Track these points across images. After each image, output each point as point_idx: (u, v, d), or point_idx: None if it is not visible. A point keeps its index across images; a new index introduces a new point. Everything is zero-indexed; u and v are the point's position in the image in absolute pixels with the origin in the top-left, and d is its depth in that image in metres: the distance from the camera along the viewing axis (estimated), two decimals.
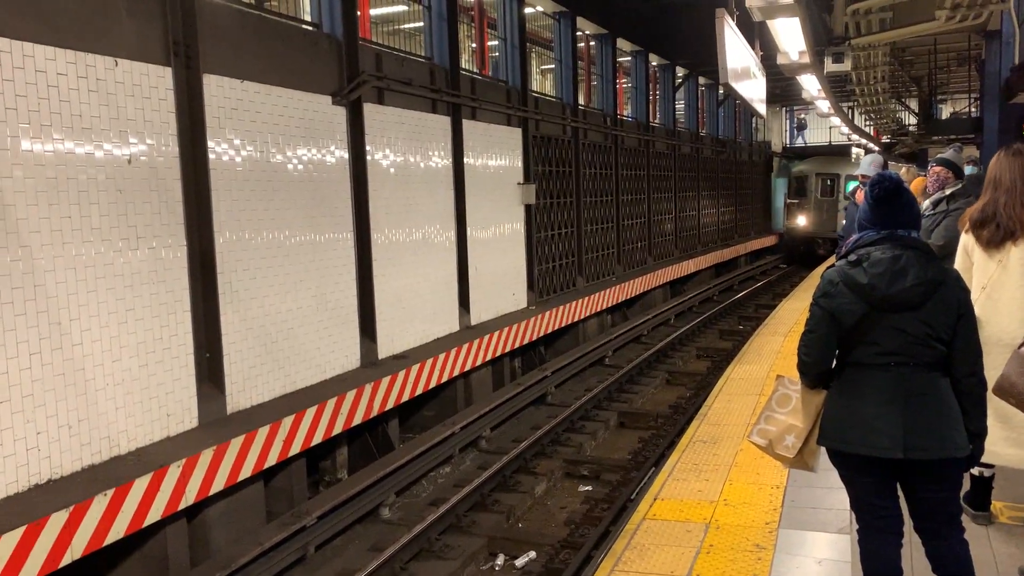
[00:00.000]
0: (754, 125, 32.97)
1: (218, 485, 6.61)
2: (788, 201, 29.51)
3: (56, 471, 5.81)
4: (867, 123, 29.17)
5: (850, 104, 26.13)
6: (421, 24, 11.79)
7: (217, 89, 7.25)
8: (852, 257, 3.31)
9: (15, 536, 4.98)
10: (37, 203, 5.66)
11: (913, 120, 27.33)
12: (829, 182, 28.77)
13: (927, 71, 22.05)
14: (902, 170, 10.63)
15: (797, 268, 29.10)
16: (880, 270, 3.20)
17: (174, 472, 6.16)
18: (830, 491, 5.03)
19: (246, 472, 6.90)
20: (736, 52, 8.06)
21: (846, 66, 10.22)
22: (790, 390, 3.55)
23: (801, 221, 28.82)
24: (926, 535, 3.34)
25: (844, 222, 23.08)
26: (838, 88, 19.63)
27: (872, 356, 3.22)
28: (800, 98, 23.83)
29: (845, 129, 28.11)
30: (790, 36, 8.48)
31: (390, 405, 9.04)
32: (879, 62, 13.60)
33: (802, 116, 39.14)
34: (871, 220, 3.35)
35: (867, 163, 7.49)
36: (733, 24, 8.05)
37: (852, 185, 26.21)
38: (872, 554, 3.37)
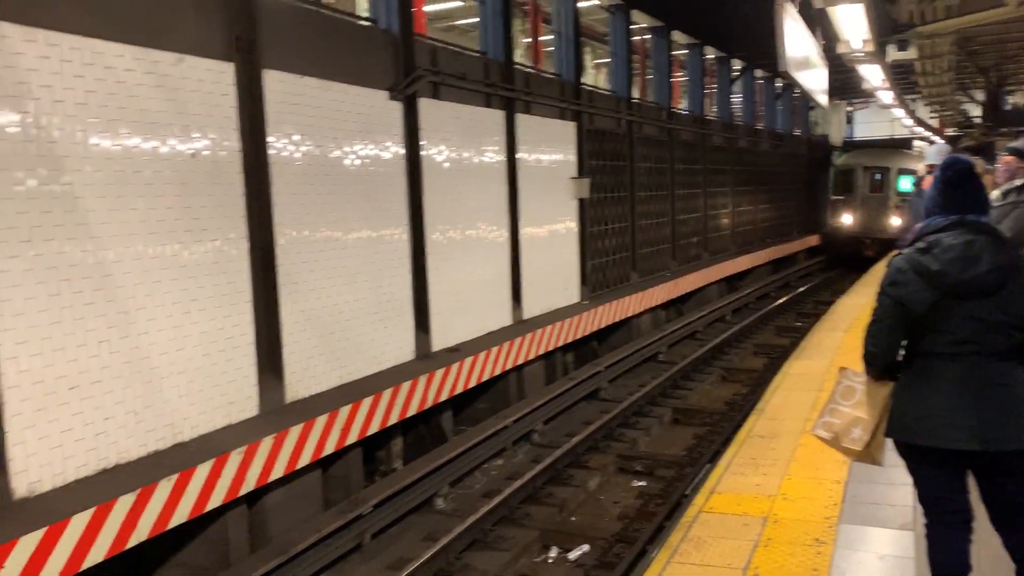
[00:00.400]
0: (812, 119, 32.36)
1: (278, 472, 6.74)
2: (832, 197, 27.12)
3: (123, 456, 5.99)
4: (931, 115, 28.39)
5: (913, 96, 25.43)
6: (475, 20, 11.83)
7: (277, 84, 7.38)
8: (921, 244, 3.23)
9: (86, 517, 5.15)
10: (105, 196, 5.83)
11: (979, 112, 26.49)
12: (878, 176, 26.05)
13: (995, 61, 21.37)
14: None
15: (843, 272, 26.29)
16: (952, 256, 3.12)
17: (235, 459, 6.30)
18: (892, 487, 4.92)
19: (304, 460, 7.02)
20: (796, 40, 7.90)
21: (911, 54, 9.92)
22: (854, 382, 3.47)
23: (846, 219, 26.32)
24: (1004, 528, 3.25)
25: (901, 219, 21.89)
26: (901, 79, 19.14)
27: (944, 345, 3.14)
28: (860, 90, 23.31)
29: (907, 122, 27.30)
30: (852, 24, 8.28)
31: (444, 397, 9.11)
32: (945, 51, 13.21)
33: (848, 109, 38.04)
34: (940, 205, 3.26)
35: (934, 152, 7.28)
36: (794, 10, 7.88)
37: (904, 179, 24.72)
38: (941, 549, 3.29)
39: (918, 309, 3.16)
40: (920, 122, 27.01)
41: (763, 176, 24.48)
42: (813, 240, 28.22)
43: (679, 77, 20.73)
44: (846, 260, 26.78)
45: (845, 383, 3.50)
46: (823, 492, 4.94)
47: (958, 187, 3.24)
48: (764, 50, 13.31)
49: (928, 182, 6.85)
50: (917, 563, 4.02)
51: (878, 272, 16.12)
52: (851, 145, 35.14)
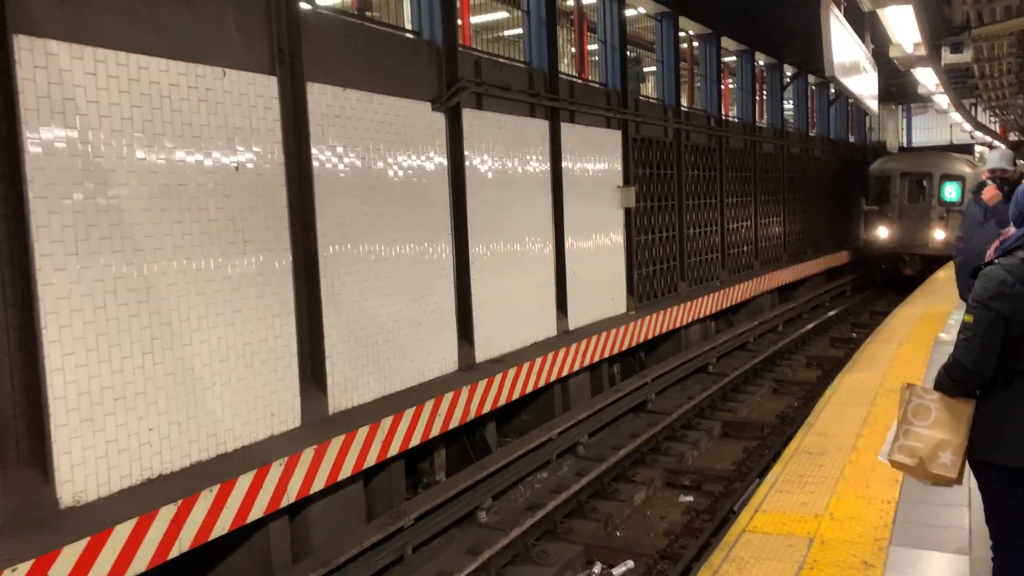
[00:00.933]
0: (868, 125, 31.67)
1: (319, 484, 6.75)
2: (866, 208, 23.49)
3: (166, 466, 6.05)
4: (992, 120, 27.53)
5: (973, 100, 24.66)
6: (521, 31, 11.81)
7: (320, 97, 7.43)
8: None
9: (128, 527, 5.21)
10: (150, 209, 5.91)
11: None
12: (919, 184, 22.68)
13: None
14: None
15: (879, 292, 23.62)
16: None
17: (277, 470, 6.32)
18: (947, 508, 4.72)
19: (346, 472, 7.03)
20: (843, 44, 7.67)
21: (966, 57, 9.56)
22: (926, 400, 3.25)
23: (882, 233, 22.87)
24: None
25: (944, 233, 20.31)
26: (958, 82, 18.56)
27: None
28: (917, 95, 22.70)
29: (967, 127, 26.42)
30: (903, 26, 8.03)
31: (487, 408, 9.05)
32: (1004, 53, 12.75)
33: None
34: None
35: (996, 158, 6.97)
36: (840, 14, 7.67)
37: (949, 187, 21.52)
38: (1019, 572, 3.16)
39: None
40: (980, 127, 26.10)
41: (816, 183, 23.99)
42: (843, 257, 25.36)
43: (730, 84, 20.46)
44: (878, 279, 24.10)
45: (916, 401, 3.27)
46: (873, 512, 4.75)
47: None
48: (816, 55, 13.03)
49: (990, 193, 6.55)
50: None
51: (936, 282, 15.62)
52: (907, 151, 33.91)
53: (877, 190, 23.28)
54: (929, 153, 26.30)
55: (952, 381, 3.16)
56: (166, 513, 5.46)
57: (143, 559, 5.31)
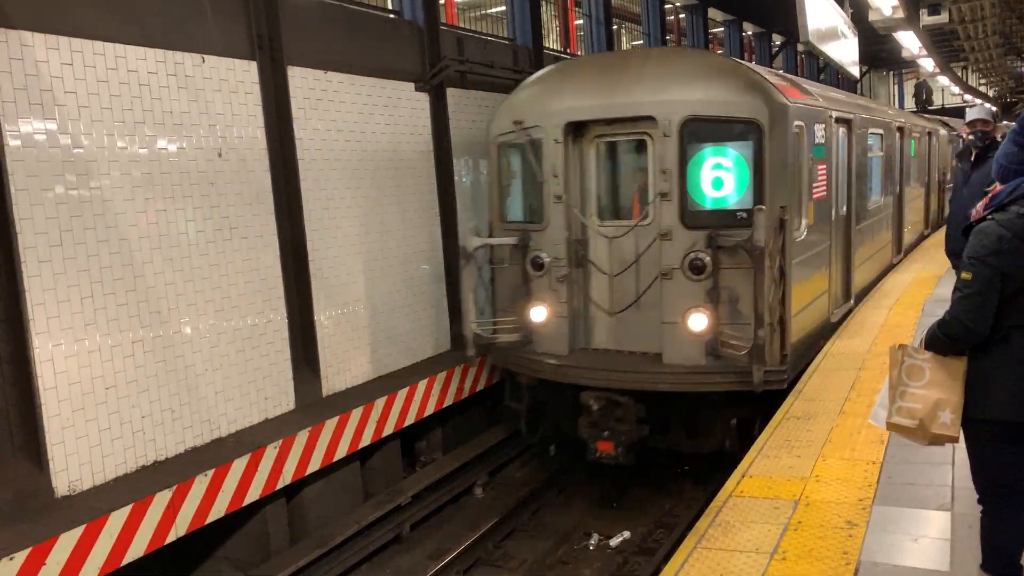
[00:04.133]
0: (859, 92, 31.56)
1: (314, 465, 6.81)
2: (479, 242, 7.94)
3: (161, 453, 6.10)
4: (982, 83, 27.44)
5: (962, 64, 24.53)
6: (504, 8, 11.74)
7: (301, 81, 7.41)
8: (1021, 209, 3.01)
9: (123, 514, 5.26)
10: (133, 198, 5.92)
11: None
12: (629, 160, 7.57)
13: None
14: None
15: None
16: None
17: (271, 453, 6.38)
18: (931, 466, 4.77)
19: (341, 452, 7.09)
20: (819, 10, 7.60)
21: (943, 18, 9.48)
22: (918, 360, 3.20)
23: (536, 315, 7.51)
24: None
25: (706, 314, 6.53)
26: (944, 45, 18.42)
27: None
28: (909, 61, 22.58)
29: (955, 90, 26.29)
30: None
31: (480, 387, 9.10)
32: (988, 14, 12.68)
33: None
34: None
35: (976, 111, 6.75)
36: None
37: (713, 159, 5.65)
38: (1010, 529, 3.21)
39: (1021, 279, 2.98)
40: (971, 90, 25.95)
41: None
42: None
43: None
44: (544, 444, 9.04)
45: (909, 362, 3.21)
46: (858, 473, 4.80)
47: None
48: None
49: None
50: (954, 544, 3.89)
51: (927, 248, 15.58)
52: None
53: (525, 183, 7.96)
54: (648, 57, 8.26)
55: (947, 338, 3.12)
56: (161, 499, 5.51)
57: (140, 545, 5.37)
